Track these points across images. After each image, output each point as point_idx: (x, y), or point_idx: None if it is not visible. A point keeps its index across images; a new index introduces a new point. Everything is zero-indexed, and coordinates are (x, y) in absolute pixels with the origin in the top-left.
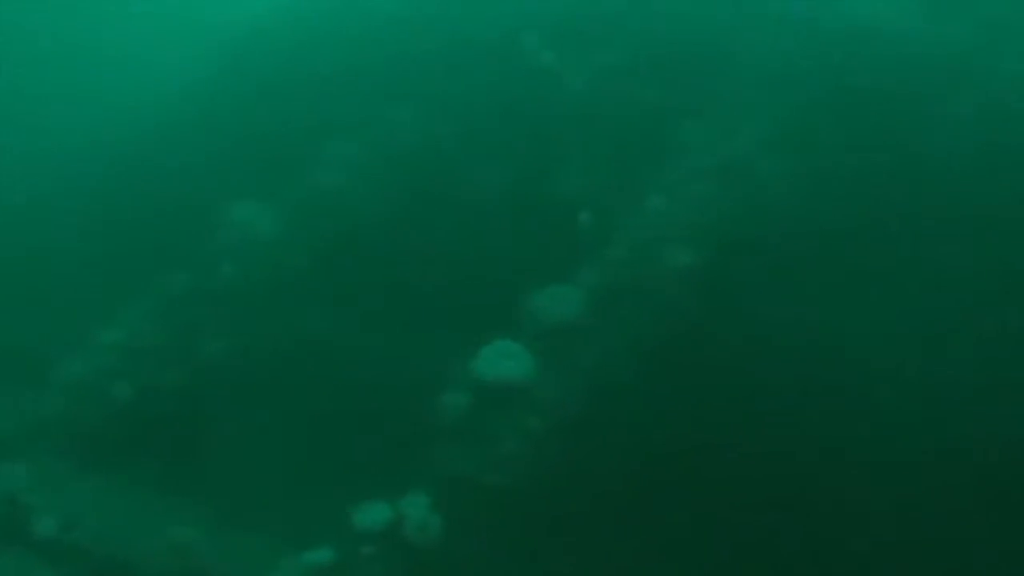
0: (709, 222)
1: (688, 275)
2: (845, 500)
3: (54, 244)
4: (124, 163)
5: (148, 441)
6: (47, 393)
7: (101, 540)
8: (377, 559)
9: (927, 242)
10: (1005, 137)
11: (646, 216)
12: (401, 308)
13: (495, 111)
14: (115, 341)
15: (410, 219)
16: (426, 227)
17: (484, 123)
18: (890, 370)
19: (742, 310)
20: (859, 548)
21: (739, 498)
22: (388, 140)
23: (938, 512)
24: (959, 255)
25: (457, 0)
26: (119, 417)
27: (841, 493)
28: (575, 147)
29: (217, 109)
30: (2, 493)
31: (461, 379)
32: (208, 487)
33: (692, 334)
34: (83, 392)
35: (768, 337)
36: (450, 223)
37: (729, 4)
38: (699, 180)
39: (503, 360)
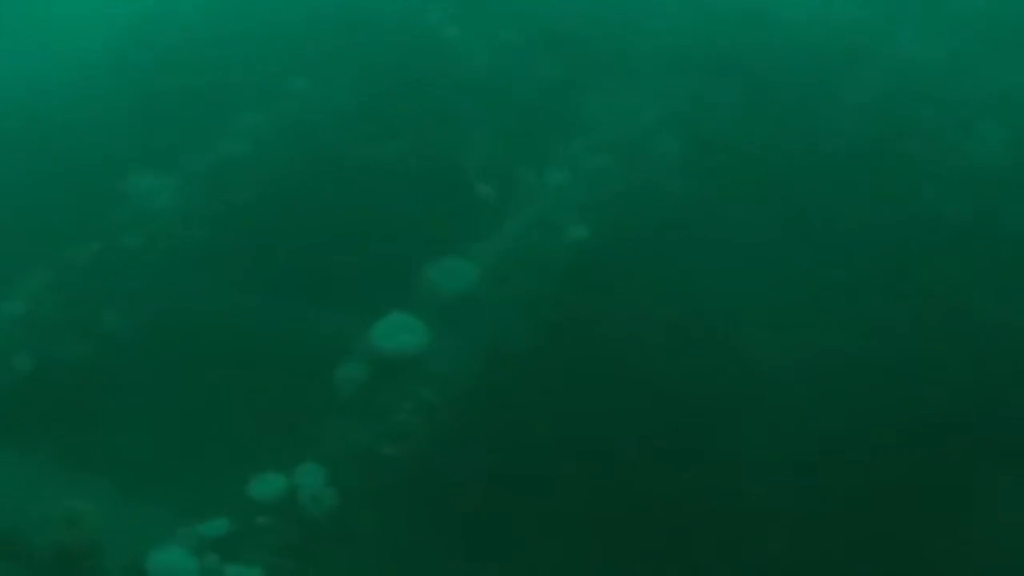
0: (606, 197)
1: (584, 249)
2: (726, 462)
3: None
4: (24, 135)
5: (47, 414)
6: None
7: None
8: (272, 530)
9: (821, 225)
10: (901, 118)
11: (545, 190)
12: (300, 280)
13: (398, 84)
14: (14, 312)
15: (311, 191)
16: (326, 200)
17: (387, 96)
18: (775, 354)
19: (636, 284)
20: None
21: (634, 465)
22: (291, 112)
23: (816, 508)
24: (854, 240)
25: None
26: (18, 389)
27: (725, 455)
28: (476, 121)
29: (120, 81)
30: None
31: (358, 351)
32: (106, 459)
33: (587, 307)
34: None
35: (659, 312)
36: (350, 196)
37: None
38: (598, 156)
39: (399, 332)
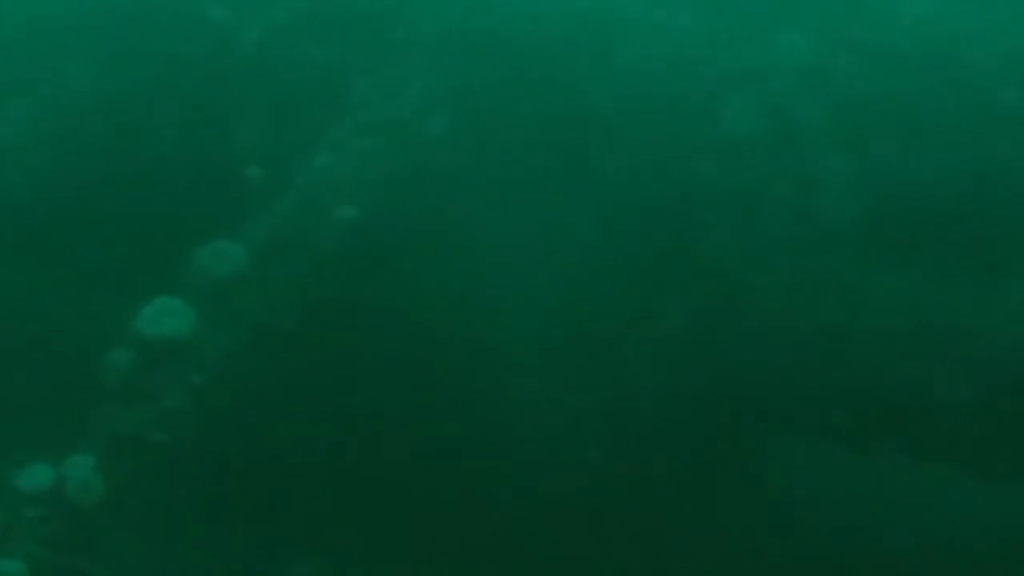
0: (375, 177)
1: (352, 229)
2: (496, 443)
3: None
4: None
5: None
6: None
7: None
8: (41, 521)
9: (590, 199)
10: (669, 86)
11: (313, 172)
12: (64, 267)
13: (167, 66)
14: None
15: (76, 177)
16: (95, 184)
17: (156, 78)
18: (543, 334)
19: (405, 263)
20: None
21: (404, 446)
22: (61, 97)
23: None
24: (622, 213)
25: None
26: None
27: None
28: (246, 103)
29: None
30: None
31: (124, 337)
32: None
33: (355, 287)
34: None
35: (428, 290)
36: (119, 180)
37: None
38: (366, 137)
39: (166, 317)
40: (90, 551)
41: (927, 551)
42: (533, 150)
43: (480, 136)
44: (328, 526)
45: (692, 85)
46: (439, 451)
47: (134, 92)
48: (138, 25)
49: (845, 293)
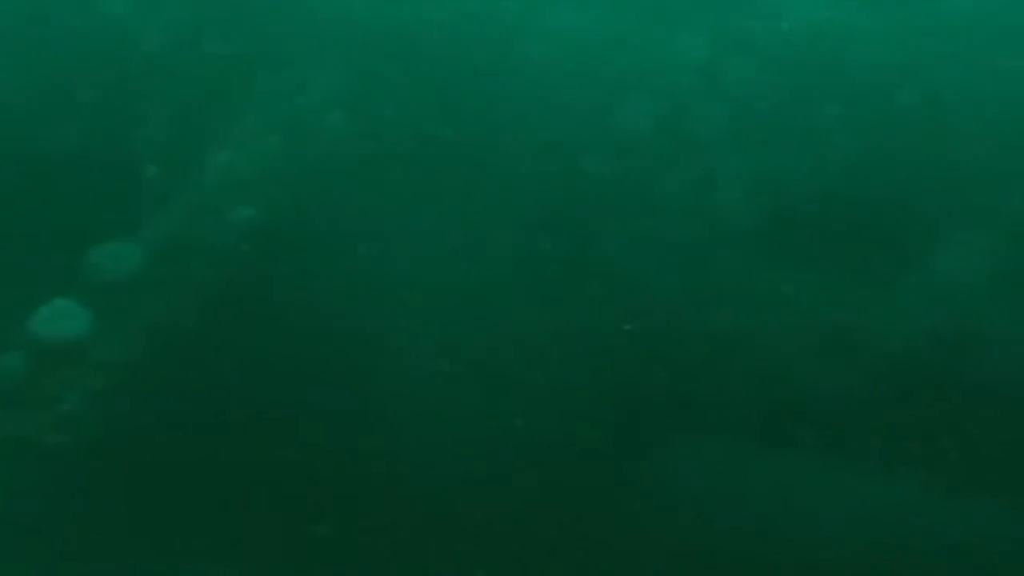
0: (274, 176)
1: (251, 228)
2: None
3: None
4: None
5: None
6: None
7: None
8: None
9: (485, 199)
10: (567, 87)
11: (212, 170)
12: None
13: (65, 64)
14: None
15: None
16: None
17: (54, 76)
18: (450, 332)
19: (303, 262)
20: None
21: (308, 439)
22: None
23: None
24: (519, 214)
25: None
26: None
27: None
28: (145, 102)
29: None
30: None
31: (18, 340)
32: None
33: (254, 286)
34: None
35: (326, 288)
36: (15, 179)
37: None
38: (266, 135)
39: (61, 319)
40: None
41: (835, 544)
42: (432, 148)
43: (380, 135)
44: (228, 528)
45: (589, 85)
46: (340, 450)
47: (31, 91)
48: (35, 22)
49: (743, 293)
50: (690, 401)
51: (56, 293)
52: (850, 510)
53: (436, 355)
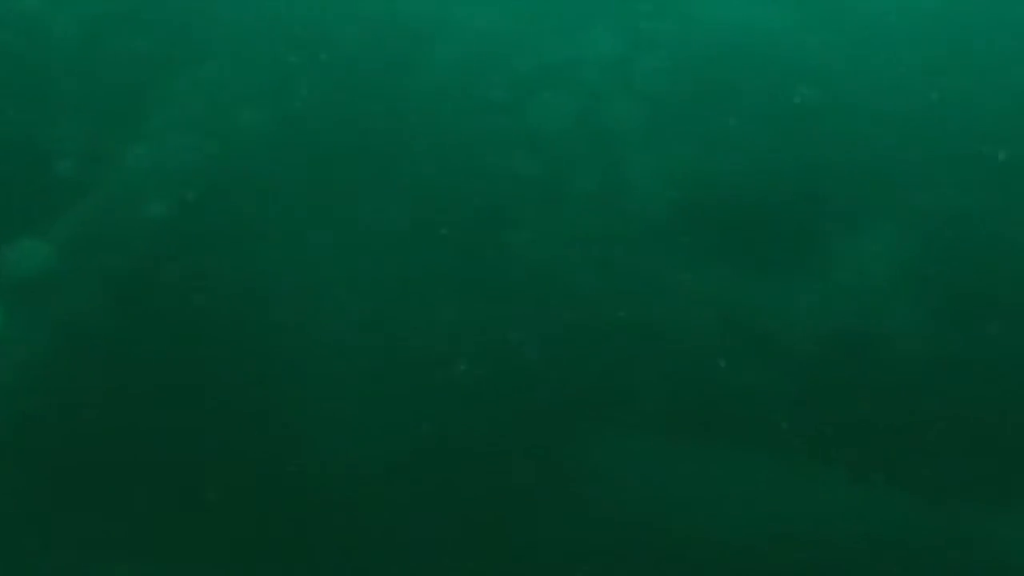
0: (188, 173)
1: (164, 225)
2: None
3: None
4: None
5: None
6: None
7: None
8: None
9: (399, 195)
10: (478, 84)
11: (126, 167)
12: None
13: None
14: None
15: None
16: None
17: None
18: (349, 324)
19: (216, 259)
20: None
21: (221, 437)
22: None
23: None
24: (431, 210)
25: None
26: None
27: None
28: (59, 97)
29: None
30: None
31: None
32: None
33: (167, 284)
34: None
35: (237, 287)
36: None
37: None
38: (181, 132)
39: None
40: None
41: (747, 538)
42: (346, 147)
43: (293, 131)
44: (148, 526)
45: (501, 83)
46: (253, 449)
47: None
48: None
49: (655, 288)
50: (602, 396)
51: None
52: (763, 504)
53: (353, 346)
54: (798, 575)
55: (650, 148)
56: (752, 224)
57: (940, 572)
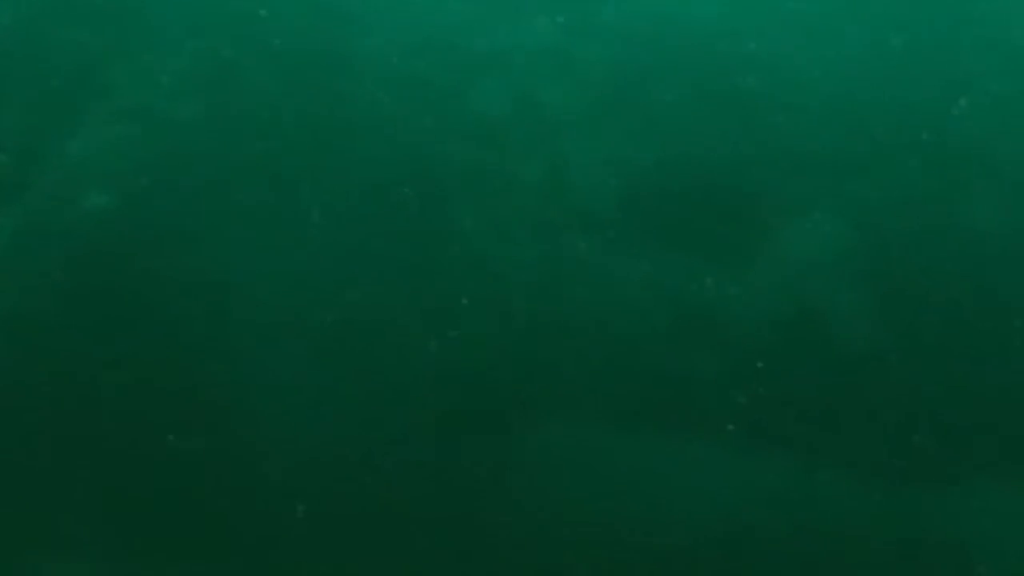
0: (128, 165)
1: (105, 217)
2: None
3: None
4: None
5: None
6: None
7: None
8: None
9: (343, 186)
10: (419, 71)
11: (65, 159)
12: None
13: None
14: None
15: None
16: None
17: None
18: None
19: (158, 252)
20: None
21: (161, 433)
22: None
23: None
24: (370, 200)
25: None
26: None
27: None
28: None
29: None
30: None
31: None
32: None
33: (107, 275)
34: None
35: (179, 277)
36: None
37: None
38: (120, 123)
39: None
40: None
41: (691, 524)
42: (287, 135)
43: (235, 122)
44: (82, 524)
45: (442, 69)
46: (191, 446)
47: None
48: None
49: (599, 276)
50: (544, 383)
51: None
52: (706, 490)
53: (290, 334)
54: (747, 562)
55: (592, 136)
56: (695, 211)
57: (891, 553)
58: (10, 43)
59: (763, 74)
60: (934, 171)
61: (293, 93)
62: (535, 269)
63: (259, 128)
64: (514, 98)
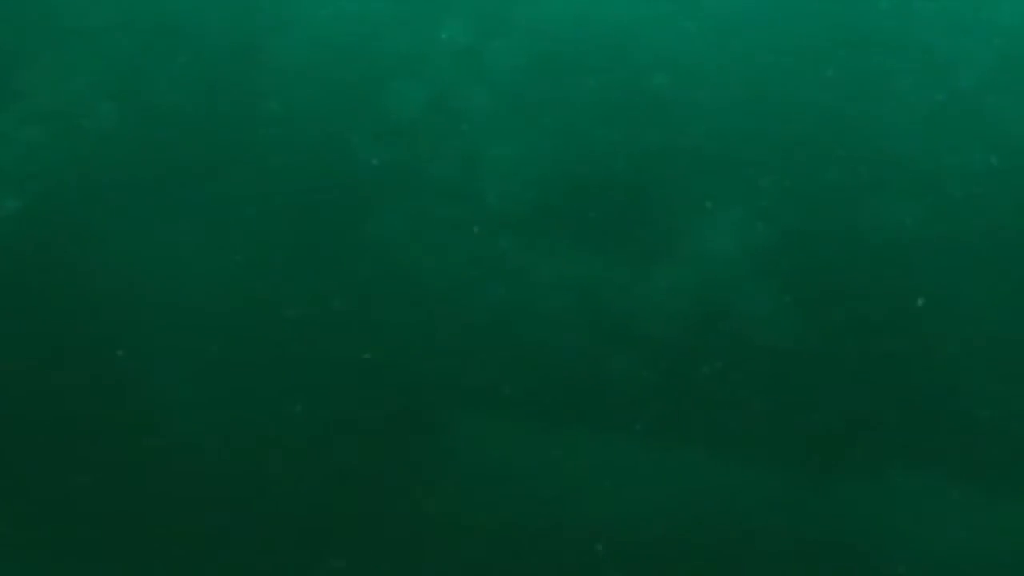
0: (39, 169)
1: (16, 222)
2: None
3: None
4: None
5: None
6: None
7: None
8: None
9: (274, 186)
10: (332, 73)
11: None
12: None
13: None
14: None
15: None
16: None
17: None
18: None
19: (73, 253)
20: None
21: (79, 434)
22: None
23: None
24: (299, 199)
25: None
26: None
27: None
28: None
29: None
30: None
31: None
32: None
33: (18, 281)
34: None
35: (89, 282)
36: None
37: None
38: (30, 127)
39: None
40: None
41: (605, 523)
42: (199, 138)
43: (146, 127)
44: (32, 524)
45: (354, 71)
46: (120, 430)
47: None
48: None
49: (513, 274)
50: (460, 385)
51: None
52: (625, 489)
53: (207, 340)
54: (662, 560)
55: (505, 136)
56: (608, 210)
57: (805, 547)
58: None
59: (676, 73)
60: (843, 167)
61: (206, 93)
62: (450, 269)
63: (171, 129)
64: (427, 98)
